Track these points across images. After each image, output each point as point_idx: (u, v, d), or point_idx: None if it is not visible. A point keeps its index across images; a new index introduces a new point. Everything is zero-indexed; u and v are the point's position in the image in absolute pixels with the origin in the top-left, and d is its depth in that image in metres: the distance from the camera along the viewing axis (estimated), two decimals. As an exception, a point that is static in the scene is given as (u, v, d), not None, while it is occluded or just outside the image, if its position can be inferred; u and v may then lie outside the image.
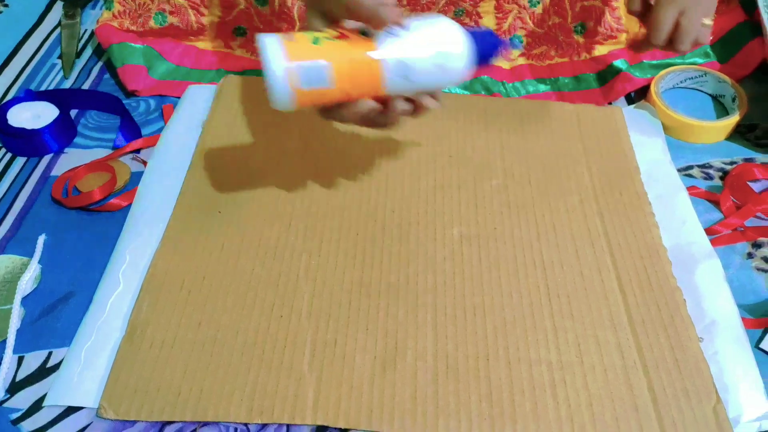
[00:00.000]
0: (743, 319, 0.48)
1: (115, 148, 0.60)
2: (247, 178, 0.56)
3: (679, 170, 0.60)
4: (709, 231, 0.54)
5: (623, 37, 0.70)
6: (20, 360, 0.44)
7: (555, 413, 0.41)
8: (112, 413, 0.41)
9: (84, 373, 0.43)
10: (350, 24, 0.42)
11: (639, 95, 0.68)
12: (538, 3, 0.67)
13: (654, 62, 0.69)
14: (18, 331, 0.45)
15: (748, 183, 0.58)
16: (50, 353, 0.45)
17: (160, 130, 0.62)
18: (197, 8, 0.66)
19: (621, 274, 0.49)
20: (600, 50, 0.71)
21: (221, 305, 0.46)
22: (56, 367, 0.44)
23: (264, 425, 0.41)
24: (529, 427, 0.40)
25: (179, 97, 0.65)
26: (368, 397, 0.42)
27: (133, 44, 0.67)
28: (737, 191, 0.57)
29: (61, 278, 0.49)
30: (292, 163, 0.58)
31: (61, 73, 0.69)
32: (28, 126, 0.58)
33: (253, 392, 0.42)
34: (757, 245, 0.54)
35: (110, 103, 0.63)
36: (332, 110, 0.43)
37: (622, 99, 0.68)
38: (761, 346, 0.47)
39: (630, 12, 0.56)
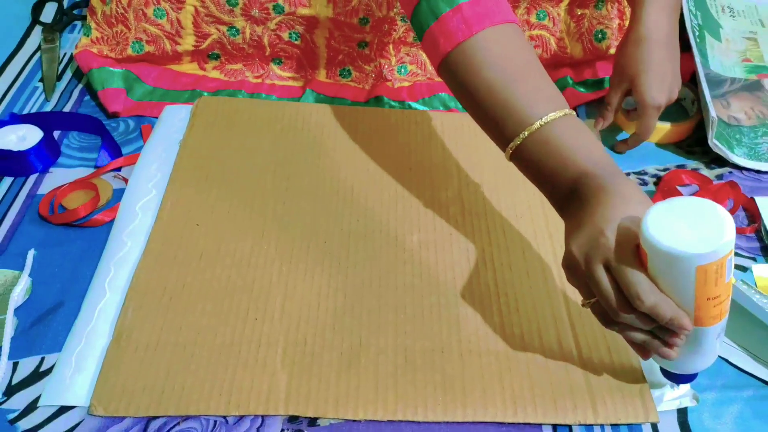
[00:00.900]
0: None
1: (98, 166, 0.64)
2: (223, 193, 0.60)
3: (617, 177, 0.66)
4: (642, 232, 0.60)
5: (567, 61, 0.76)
6: (15, 365, 0.48)
7: (501, 397, 0.46)
8: (102, 411, 0.45)
9: (75, 376, 0.47)
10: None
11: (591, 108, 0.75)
12: None
13: (597, 79, 0.76)
14: (12, 339, 0.49)
15: (678, 188, 0.64)
16: (43, 358, 0.48)
17: (140, 149, 0.66)
18: (173, 38, 0.71)
19: (562, 273, 0.55)
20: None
21: (200, 310, 0.51)
22: (49, 371, 0.48)
23: (240, 417, 0.45)
24: (478, 410, 0.46)
25: (157, 118, 0.69)
26: (335, 389, 0.46)
27: (112, 69, 0.71)
28: (669, 196, 0.63)
29: (51, 289, 0.53)
30: (264, 177, 0.62)
31: (43, 96, 0.72)
32: (14, 148, 0.62)
33: (231, 388, 0.46)
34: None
35: (91, 125, 0.67)
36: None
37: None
38: (686, 333, 0.53)
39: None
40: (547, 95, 0.44)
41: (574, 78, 0.76)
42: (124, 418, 0.45)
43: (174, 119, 0.68)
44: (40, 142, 0.63)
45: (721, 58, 0.77)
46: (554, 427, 0.46)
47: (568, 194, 0.42)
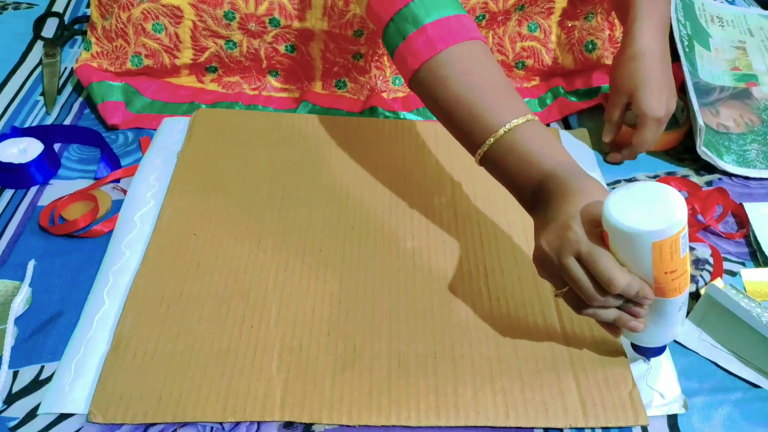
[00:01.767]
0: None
1: (97, 178, 0.65)
2: (220, 202, 0.62)
3: (608, 184, 0.67)
4: (632, 238, 0.61)
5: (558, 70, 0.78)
6: (15, 374, 0.49)
7: (492, 400, 0.47)
8: (101, 418, 0.45)
9: (74, 383, 0.47)
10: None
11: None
12: None
13: (588, 89, 0.77)
14: (12, 348, 0.50)
15: (668, 194, 0.65)
16: (42, 367, 0.49)
17: (138, 160, 0.67)
18: (171, 51, 0.72)
19: (553, 279, 0.56)
20: (538, 80, 0.78)
21: (197, 318, 0.52)
22: (48, 379, 0.48)
23: (237, 423, 0.46)
24: (470, 414, 0.46)
25: (155, 130, 0.71)
26: (330, 394, 0.47)
27: (111, 82, 0.72)
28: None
29: (51, 299, 0.54)
30: (261, 186, 0.63)
31: (44, 109, 0.74)
32: (15, 160, 0.63)
33: (227, 394, 0.47)
34: (675, 249, 0.61)
35: (91, 137, 0.68)
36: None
37: (560, 121, 0.76)
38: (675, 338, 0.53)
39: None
40: (510, 104, 0.47)
41: (565, 88, 0.77)
42: (122, 425, 0.45)
43: (172, 131, 0.70)
44: (40, 155, 0.64)
45: (711, 67, 0.78)
46: (545, 430, 0.46)
47: (535, 194, 0.45)
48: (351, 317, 0.52)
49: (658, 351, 0.48)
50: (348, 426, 0.46)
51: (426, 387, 0.48)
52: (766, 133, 0.71)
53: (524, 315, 0.53)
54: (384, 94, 0.75)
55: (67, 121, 0.72)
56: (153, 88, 0.74)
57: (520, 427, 0.46)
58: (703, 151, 0.67)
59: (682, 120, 0.72)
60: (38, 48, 0.83)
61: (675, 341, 0.53)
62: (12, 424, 0.46)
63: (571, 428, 0.46)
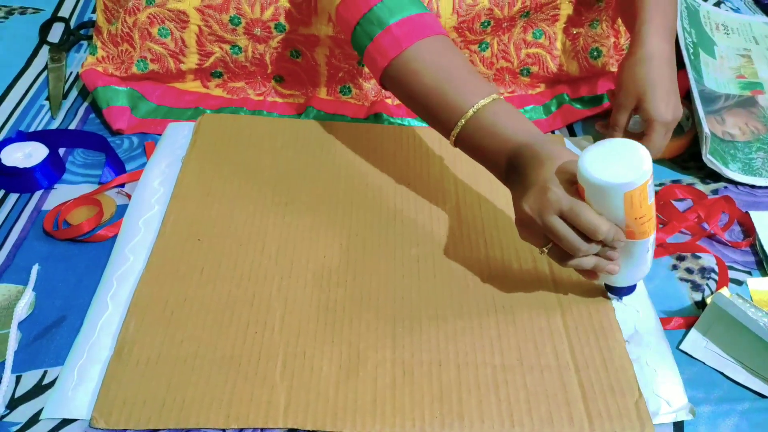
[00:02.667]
0: (667, 322, 0.54)
1: (101, 183, 0.65)
2: (224, 208, 0.61)
3: (613, 192, 0.67)
4: (637, 246, 0.61)
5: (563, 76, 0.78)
6: (18, 379, 0.49)
7: (497, 409, 0.47)
8: (103, 423, 0.45)
9: (77, 389, 0.47)
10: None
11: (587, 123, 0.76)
12: (487, 48, 0.75)
13: (593, 96, 0.77)
14: (15, 352, 0.50)
15: (673, 202, 0.65)
16: (45, 372, 0.49)
17: (143, 165, 0.67)
18: (176, 56, 0.72)
19: (558, 286, 0.56)
20: (543, 87, 0.78)
21: (201, 324, 0.51)
22: (51, 384, 0.48)
23: (240, 430, 0.46)
24: (474, 422, 0.46)
25: (160, 135, 0.71)
26: (333, 402, 0.47)
27: (117, 87, 0.72)
28: (663, 210, 0.64)
29: (54, 304, 0.54)
30: (265, 192, 0.63)
31: (49, 114, 0.74)
32: (20, 165, 0.63)
33: (230, 401, 0.47)
34: (681, 258, 0.61)
35: (96, 142, 0.68)
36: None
37: (564, 128, 0.76)
38: (681, 347, 0.53)
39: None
40: (476, 86, 0.51)
41: (570, 95, 0.77)
42: (125, 430, 0.45)
43: (177, 136, 0.70)
44: (45, 159, 0.64)
45: (716, 75, 0.78)
46: (550, 439, 0.46)
47: (509, 166, 0.48)
48: (355, 324, 0.52)
49: (630, 290, 0.53)
50: (352, 434, 0.46)
51: (430, 395, 0.47)
52: (772, 141, 0.71)
53: (529, 322, 0.53)
54: (388, 101, 0.75)
55: (72, 126, 0.72)
56: (158, 93, 0.74)
57: (525, 437, 0.46)
58: (709, 159, 0.67)
59: (687, 128, 0.72)
60: (44, 53, 0.83)
61: (681, 350, 0.53)
62: (14, 429, 0.46)
63: (576, 438, 0.46)
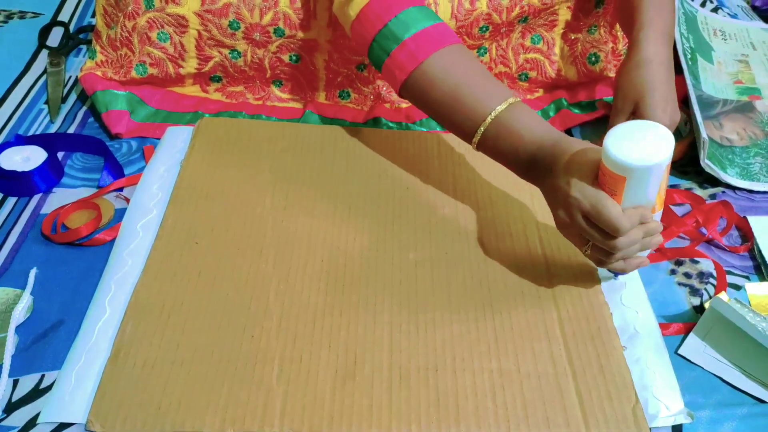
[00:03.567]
0: (666, 327, 0.54)
1: (100, 187, 0.65)
2: (222, 212, 0.61)
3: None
4: (635, 251, 0.61)
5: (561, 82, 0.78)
6: (15, 383, 0.48)
7: (494, 415, 0.47)
8: (99, 427, 0.45)
9: (74, 393, 0.47)
10: None
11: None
12: (485, 53, 0.75)
13: (591, 101, 0.77)
14: (13, 356, 0.50)
15: (671, 207, 0.65)
16: (43, 376, 0.49)
17: (142, 169, 0.67)
18: (176, 60, 0.73)
19: (556, 292, 0.56)
20: (542, 91, 0.79)
21: (198, 327, 0.51)
22: (48, 388, 0.48)
23: (237, 434, 0.46)
24: (471, 428, 0.46)
25: (159, 139, 0.71)
26: (330, 406, 0.47)
27: (116, 91, 0.72)
28: (662, 215, 0.64)
29: (52, 308, 0.54)
30: (263, 196, 0.63)
31: (48, 118, 0.74)
32: (19, 168, 0.63)
33: (227, 404, 0.47)
34: (679, 262, 0.61)
35: (95, 146, 0.69)
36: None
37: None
38: (680, 352, 0.53)
39: None
40: (492, 92, 0.52)
41: (568, 100, 0.77)
42: (121, 434, 0.45)
43: (176, 140, 0.70)
44: (43, 163, 0.64)
45: (714, 80, 0.78)
46: (548, 444, 0.46)
47: (531, 166, 0.50)
48: (352, 329, 0.52)
49: None
50: (348, 439, 0.45)
51: (427, 400, 0.47)
52: (770, 146, 0.71)
53: (526, 328, 0.53)
54: (387, 105, 0.75)
55: (71, 130, 0.72)
56: (157, 97, 0.75)
57: (522, 442, 0.46)
58: (707, 164, 0.67)
59: (685, 133, 0.72)
60: (43, 57, 0.83)
61: (680, 355, 0.52)
62: (11, 433, 0.46)
63: (573, 443, 0.46)
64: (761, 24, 0.92)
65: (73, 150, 0.69)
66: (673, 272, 0.60)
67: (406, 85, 0.56)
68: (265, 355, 0.50)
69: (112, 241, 0.59)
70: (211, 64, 0.73)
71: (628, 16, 0.66)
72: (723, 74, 0.80)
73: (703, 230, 0.63)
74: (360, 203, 0.63)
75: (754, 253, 0.62)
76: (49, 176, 0.64)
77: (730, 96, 0.76)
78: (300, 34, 0.71)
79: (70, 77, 0.80)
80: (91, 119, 0.74)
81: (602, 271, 0.56)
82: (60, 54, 0.82)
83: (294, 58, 0.74)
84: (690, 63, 0.76)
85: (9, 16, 0.92)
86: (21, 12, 0.93)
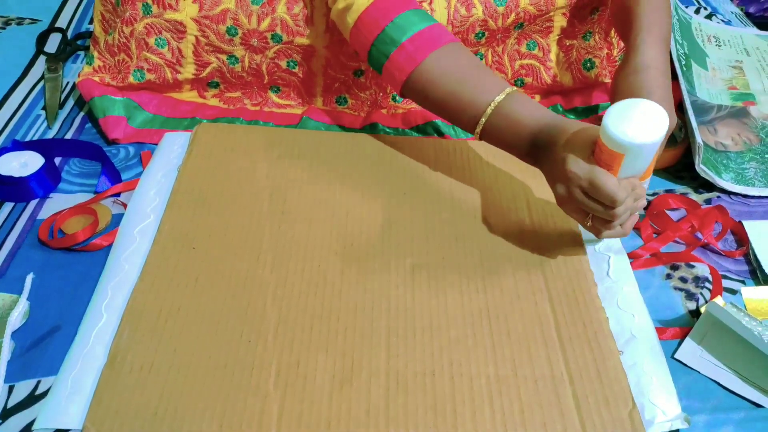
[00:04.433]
0: (662, 332, 0.54)
1: (97, 192, 0.65)
2: (219, 217, 0.62)
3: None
4: (631, 255, 0.61)
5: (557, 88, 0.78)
6: (10, 389, 0.48)
7: (491, 420, 0.47)
8: (96, 433, 0.45)
9: (70, 399, 0.47)
10: None
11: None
12: (482, 59, 0.75)
13: (587, 106, 0.77)
14: (8, 362, 0.50)
15: (667, 212, 0.65)
16: (38, 382, 0.49)
17: (139, 174, 0.67)
18: (173, 66, 0.73)
19: (553, 296, 0.56)
20: (537, 97, 0.79)
21: (195, 333, 0.51)
22: (44, 394, 0.48)
23: (234, 440, 0.46)
24: (469, 432, 0.46)
25: (156, 144, 0.71)
26: (327, 412, 0.47)
27: (113, 97, 0.72)
28: (658, 219, 0.64)
29: (48, 313, 0.54)
30: (261, 202, 0.63)
31: (45, 123, 0.74)
32: (16, 174, 0.63)
33: (224, 410, 0.46)
34: (675, 267, 0.61)
35: (92, 151, 0.69)
36: None
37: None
38: (676, 356, 0.53)
39: None
40: (491, 84, 0.54)
41: (564, 106, 0.78)
42: (117, 440, 0.45)
43: (173, 146, 0.70)
44: (41, 169, 0.64)
45: (708, 86, 0.78)
46: (545, 449, 0.46)
47: (531, 148, 0.52)
48: (349, 334, 0.52)
49: None
50: (345, 444, 0.45)
51: (424, 406, 0.47)
52: (764, 151, 0.71)
53: (523, 333, 0.53)
54: (384, 111, 0.75)
55: (69, 136, 0.72)
56: (155, 102, 0.75)
57: (520, 447, 0.46)
58: (702, 169, 0.67)
59: (680, 138, 0.72)
60: (41, 63, 0.83)
61: (676, 359, 0.53)
62: (6, 439, 0.45)
63: (570, 448, 0.46)
64: (755, 30, 0.93)
65: (71, 155, 0.69)
66: (668, 277, 0.60)
67: (406, 85, 0.58)
68: (262, 360, 0.50)
69: (109, 246, 0.59)
70: (208, 69, 0.73)
71: (626, 22, 0.66)
72: (717, 80, 0.80)
73: (699, 235, 0.63)
74: (357, 208, 0.63)
75: (749, 257, 0.62)
76: (46, 182, 0.64)
77: (725, 102, 0.77)
78: (298, 40, 0.72)
79: (68, 83, 0.80)
80: (88, 125, 0.74)
81: (585, 234, 0.59)
82: (58, 60, 0.82)
83: (291, 64, 0.74)
84: (684, 69, 0.77)
85: (7, 22, 0.92)
86: (19, 18, 0.93)
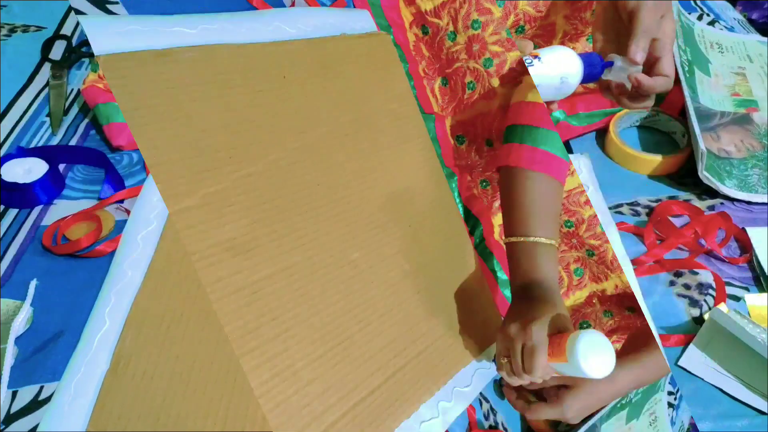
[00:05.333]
0: (666, 339, 0.54)
1: (101, 198, 0.65)
2: (222, 224, 0.62)
3: (610, 208, 0.67)
4: (634, 261, 0.61)
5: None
6: (14, 394, 0.48)
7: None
8: (98, 439, 0.45)
9: (73, 404, 0.47)
10: None
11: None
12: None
13: (589, 113, 0.77)
14: (12, 368, 0.50)
15: (670, 218, 0.65)
16: (42, 387, 0.49)
17: (143, 181, 0.67)
18: (176, 72, 0.73)
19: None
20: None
21: (197, 339, 0.51)
22: (47, 399, 0.48)
23: (236, 446, 0.46)
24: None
25: (160, 151, 0.71)
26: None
27: (118, 104, 0.73)
28: (661, 226, 0.64)
29: (52, 319, 0.54)
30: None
31: (50, 130, 0.74)
32: (21, 180, 0.64)
33: (226, 416, 0.46)
34: (678, 274, 0.61)
35: (96, 158, 0.69)
36: None
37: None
38: (680, 363, 0.53)
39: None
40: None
41: (566, 112, 0.78)
42: (120, 446, 0.45)
43: (176, 152, 0.70)
44: (45, 175, 0.64)
45: (711, 93, 0.79)
46: None
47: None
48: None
49: None
50: (348, 450, 0.45)
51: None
52: (768, 158, 0.71)
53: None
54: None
55: (73, 142, 0.73)
56: (158, 109, 0.75)
57: None
58: (705, 175, 0.67)
59: (683, 144, 0.72)
60: (46, 70, 0.84)
61: (680, 367, 0.52)
62: (9, 445, 0.46)
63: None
64: (758, 37, 0.93)
65: (75, 162, 0.70)
66: (672, 284, 0.60)
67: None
68: (264, 366, 0.50)
69: (113, 252, 0.59)
70: (212, 76, 0.74)
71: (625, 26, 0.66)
72: (720, 86, 0.80)
73: (702, 242, 0.63)
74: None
75: (753, 264, 0.62)
76: (50, 188, 0.65)
77: (728, 108, 0.77)
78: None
79: (72, 90, 0.80)
80: (92, 131, 0.74)
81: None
82: (62, 67, 0.83)
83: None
84: (687, 75, 0.77)
85: (12, 30, 0.92)
86: (24, 26, 0.94)
